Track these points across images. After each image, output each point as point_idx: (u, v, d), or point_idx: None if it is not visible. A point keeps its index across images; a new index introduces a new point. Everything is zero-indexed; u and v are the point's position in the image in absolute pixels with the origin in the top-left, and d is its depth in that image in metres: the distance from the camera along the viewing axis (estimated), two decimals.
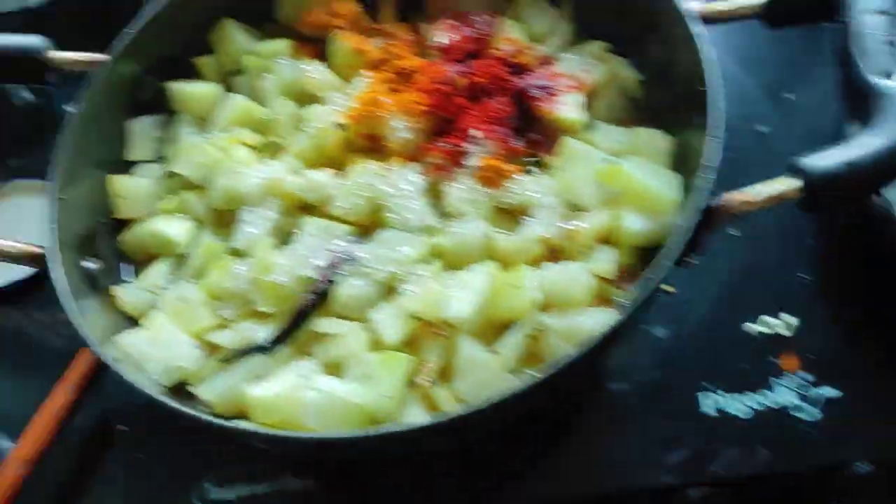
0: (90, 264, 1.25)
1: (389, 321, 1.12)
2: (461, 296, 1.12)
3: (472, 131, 1.28)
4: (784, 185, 1.05)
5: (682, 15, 1.25)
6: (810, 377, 1.29)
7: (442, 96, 1.34)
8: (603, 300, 1.18)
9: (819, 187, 1.03)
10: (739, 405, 1.28)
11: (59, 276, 1.14)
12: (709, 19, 1.27)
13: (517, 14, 1.49)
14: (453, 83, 1.36)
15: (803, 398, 1.27)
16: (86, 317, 1.13)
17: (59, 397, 1.55)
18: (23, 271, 1.56)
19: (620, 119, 1.42)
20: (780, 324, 1.36)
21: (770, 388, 1.29)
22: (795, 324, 1.35)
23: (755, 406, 1.28)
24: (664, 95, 1.39)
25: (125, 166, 1.42)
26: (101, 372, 1.52)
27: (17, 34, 1.39)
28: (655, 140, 1.31)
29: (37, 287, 1.57)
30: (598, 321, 1.12)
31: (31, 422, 1.52)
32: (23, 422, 1.39)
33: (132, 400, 1.33)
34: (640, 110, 1.44)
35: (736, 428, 1.26)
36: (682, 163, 1.28)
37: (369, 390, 1.07)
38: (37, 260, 1.15)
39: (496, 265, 1.17)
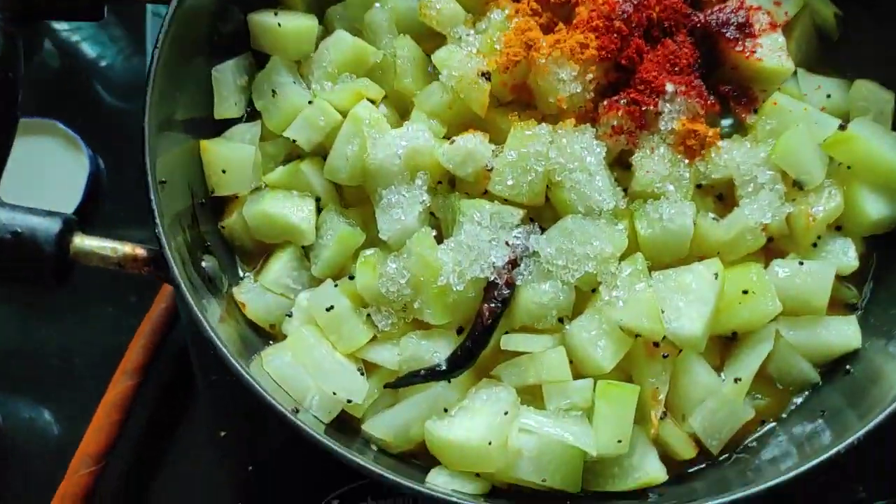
0: (206, 262, 1.00)
1: (600, 341, 0.91)
2: (687, 308, 0.91)
3: (667, 85, 1.03)
4: None
5: None
6: None
7: (615, 36, 1.07)
8: (835, 302, 1.00)
9: None
10: None
11: (182, 283, 0.89)
12: None
13: None
14: (627, 18, 1.09)
15: None
16: (216, 328, 0.89)
17: (120, 384, 1.36)
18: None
19: (811, 64, 1.18)
20: None
21: None
22: None
23: None
24: (866, 34, 1.15)
25: (213, 127, 1.13)
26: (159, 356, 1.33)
27: None
28: (877, 96, 1.08)
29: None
30: (842, 335, 0.94)
31: (95, 416, 1.35)
32: None
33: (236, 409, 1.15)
34: (831, 50, 1.20)
35: None
36: None
37: (595, 434, 0.88)
38: (150, 264, 0.89)
39: (718, 265, 0.95)
